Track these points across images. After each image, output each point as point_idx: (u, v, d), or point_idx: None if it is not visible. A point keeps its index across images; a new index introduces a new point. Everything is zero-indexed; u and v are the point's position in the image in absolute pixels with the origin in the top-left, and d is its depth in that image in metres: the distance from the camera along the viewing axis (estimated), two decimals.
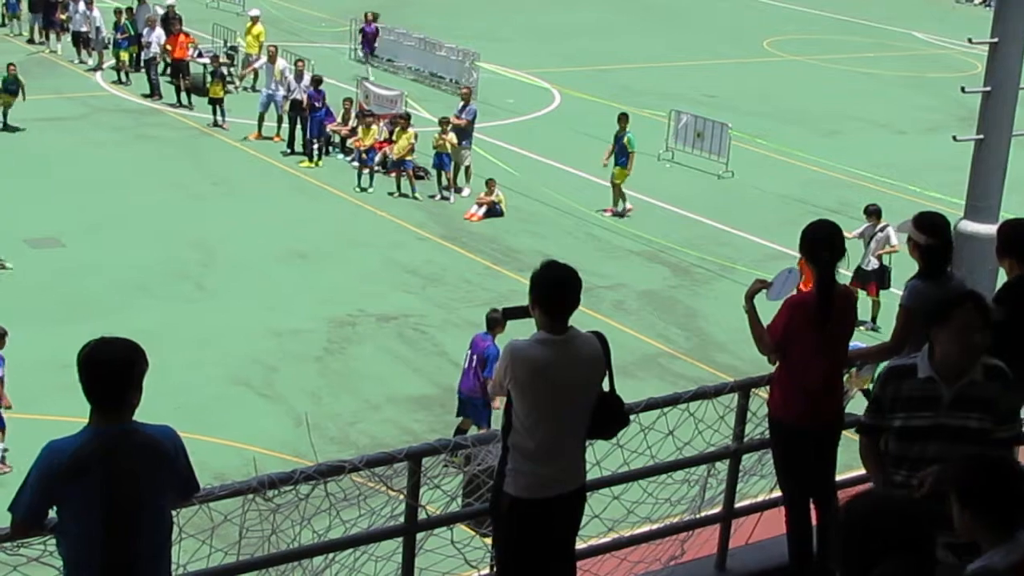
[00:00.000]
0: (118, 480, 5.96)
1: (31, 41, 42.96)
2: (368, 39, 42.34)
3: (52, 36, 42.50)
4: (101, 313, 21.00)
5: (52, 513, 6.09)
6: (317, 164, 31.47)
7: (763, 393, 8.66)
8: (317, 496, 7.29)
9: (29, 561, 6.39)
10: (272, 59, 34.09)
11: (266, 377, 19.73)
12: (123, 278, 23.25)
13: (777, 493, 8.80)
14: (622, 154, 28.85)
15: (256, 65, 37.30)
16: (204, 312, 22.09)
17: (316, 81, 32.32)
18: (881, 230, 23.01)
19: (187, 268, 24.01)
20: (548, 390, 7.12)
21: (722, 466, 8.94)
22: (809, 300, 8.20)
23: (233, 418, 18.20)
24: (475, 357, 17.19)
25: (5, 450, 16.79)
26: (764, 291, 8.34)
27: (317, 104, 31.81)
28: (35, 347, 19.81)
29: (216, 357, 20.20)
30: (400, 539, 7.74)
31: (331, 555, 7.55)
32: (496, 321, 17.05)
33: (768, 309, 8.30)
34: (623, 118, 29.23)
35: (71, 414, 15.71)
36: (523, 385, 7.12)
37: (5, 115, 32.75)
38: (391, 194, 29.34)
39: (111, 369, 5.97)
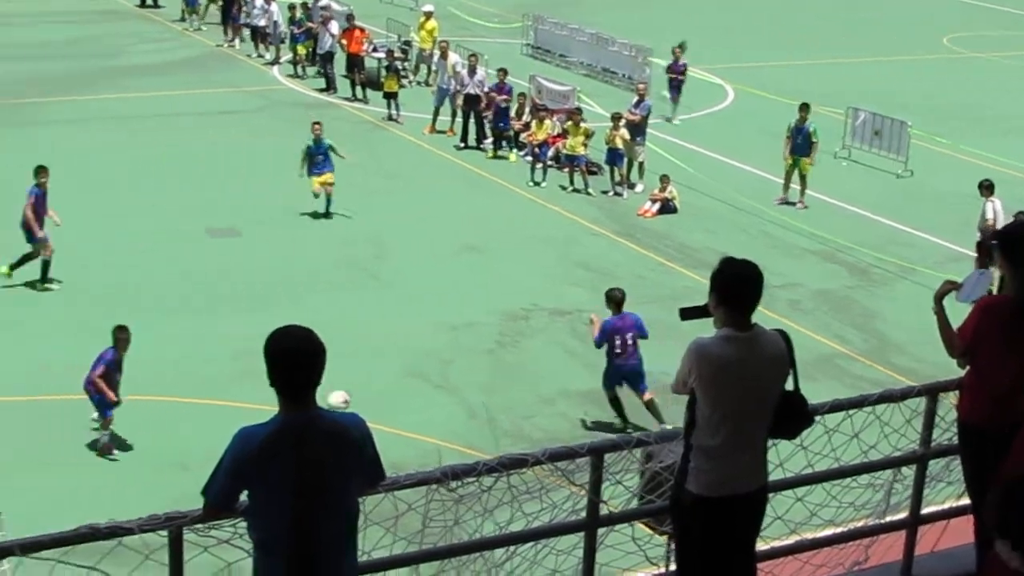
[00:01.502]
0: (307, 466, 6.03)
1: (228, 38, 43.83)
2: (677, 81, 36.31)
3: (230, 31, 43.41)
4: (277, 303, 21.41)
5: (243, 497, 6.19)
6: (495, 155, 31.78)
7: (952, 398, 8.44)
8: (499, 488, 7.30)
9: (219, 543, 6.49)
10: (444, 54, 34.38)
11: (441, 369, 19.91)
12: (299, 269, 23.65)
13: (965, 500, 8.56)
14: (805, 144, 28.54)
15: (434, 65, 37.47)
16: (379, 304, 22.35)
17: (503, 73, 32.59)
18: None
19: (362, 260, 24.31)
20: (732, 388, 7.03)
21: (908, 471, 8.73)
22: (1004, 303, 7.96)
23: (407, 409, 18.35)
24: (630, 336, 18.18)
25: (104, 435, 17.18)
26: (954, 292, 8.13)
27: (504, 98, 32.09)
28: (215, 335, 20.32)
29: (392, 349, 20.41)
30: (581, 534, 7.71)
31: (512, 548, 7.55)
32: (613, 299, 18.40)
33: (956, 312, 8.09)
34: (804, 108, 28.94)
35: (251, 400, 16.08)
36: (707, 382, 7.05)
37: (328, 199, 26.65)
38: (564, 189, 29.39)
39: (300, 359, 6.03)
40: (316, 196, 26.35)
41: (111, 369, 17.05)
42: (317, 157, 26.40)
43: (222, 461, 6.11)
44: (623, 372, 18.32)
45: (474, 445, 16.90)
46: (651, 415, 18.02)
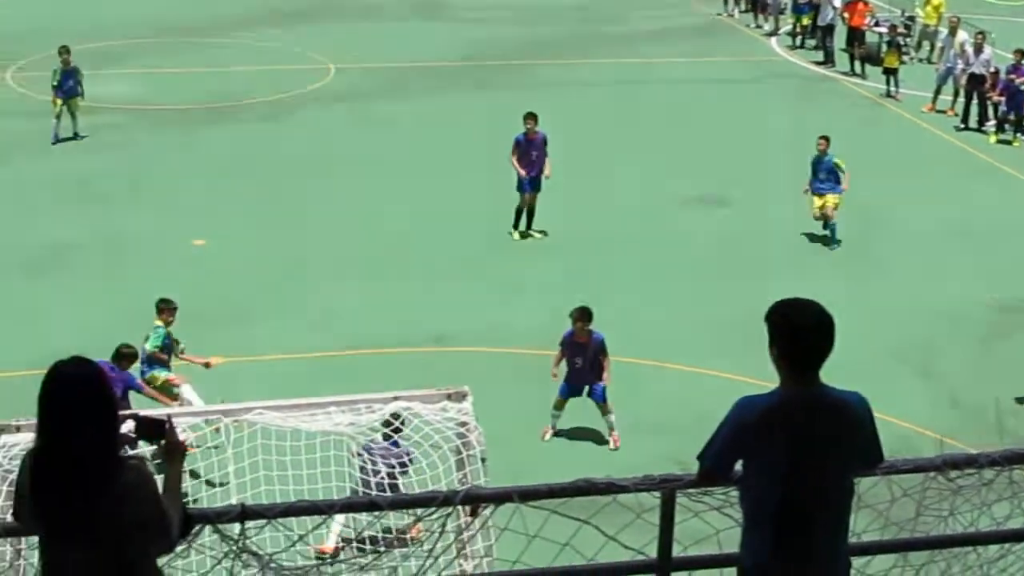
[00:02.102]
0: (807, 441, 5.99)
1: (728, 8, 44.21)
2: None
3: (731, 1, 43.69)
4: (760, 275, 21.16)
5: (738, 466, 6.21)
6: (998, 139, 30.67)
7: None
8: (999, 483, 7.03)
9: (710, 509, 6.51)
10: (953, 31, 33.26)
11: (924, 355, 19.40)
12: (783, 241, 23.58)
13: None
14: None
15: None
16: (865, 283, 21.94)
17: (1019, 54, 31.13)
18: None
19: (849, 238, 23.84)
20: None
21: None
22: None
23: (886, 392, 17.71)
24: None
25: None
26: None
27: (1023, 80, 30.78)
28: (696, 303, 20.52)
29: (876, 330, 19.97)
30: None
31: (1007, 545, 7.27)
32: None
33: None
34: None
35: (728, 370, 16.19)
36: None
37: (830, 227, 23.75)
38: None
39: (817, 336, 6.04)
40: (816, 219, 23.88)
41: (564, 349, 16.90)
42: (820, 174, 23.78)
43: (720, 429, 6.13)
44: None
45: (955, 435, 16.38)
46: None
